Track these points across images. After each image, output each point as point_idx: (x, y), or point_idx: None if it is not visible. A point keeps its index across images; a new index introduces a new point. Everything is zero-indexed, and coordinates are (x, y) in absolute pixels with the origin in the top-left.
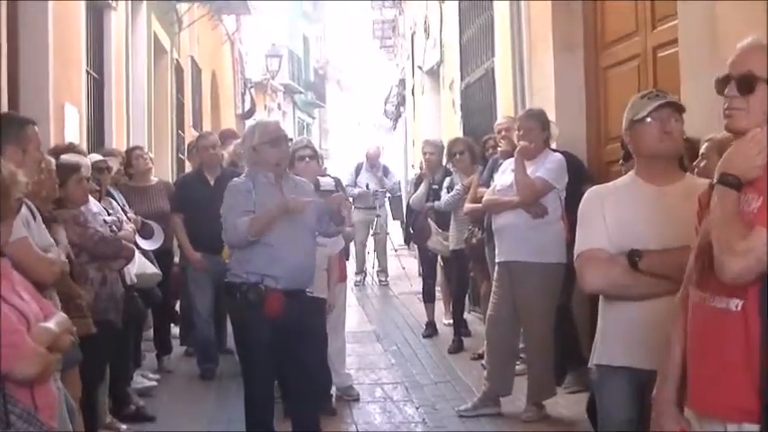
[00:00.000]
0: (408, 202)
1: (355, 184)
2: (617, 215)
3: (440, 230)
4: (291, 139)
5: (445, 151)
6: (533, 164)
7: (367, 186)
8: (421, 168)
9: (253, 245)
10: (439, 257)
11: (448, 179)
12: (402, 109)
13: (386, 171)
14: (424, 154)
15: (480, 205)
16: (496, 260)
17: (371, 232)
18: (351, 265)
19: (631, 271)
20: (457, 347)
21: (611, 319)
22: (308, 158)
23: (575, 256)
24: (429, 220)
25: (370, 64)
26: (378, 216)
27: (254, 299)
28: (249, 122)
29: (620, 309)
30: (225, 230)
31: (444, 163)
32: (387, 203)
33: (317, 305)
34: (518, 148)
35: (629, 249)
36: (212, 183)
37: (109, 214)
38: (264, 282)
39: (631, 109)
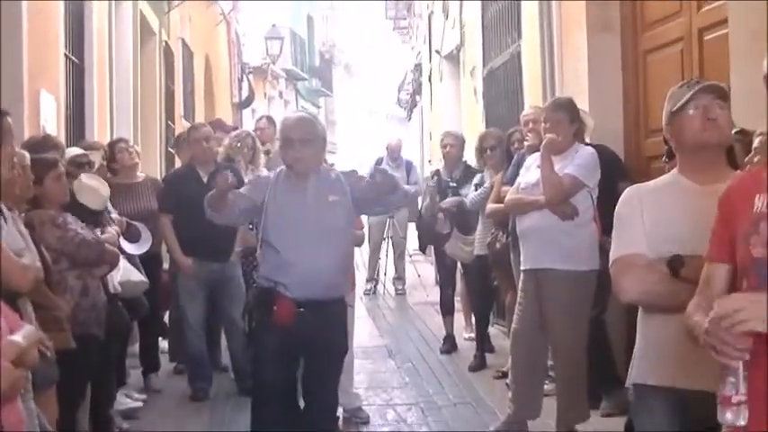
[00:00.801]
0: (420, 209)
1: None
2: (657, 217)
3: (459, 234)
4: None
5: (475, 146)
6: (562, 159)
7: None
8: (436, 177)
9: (263, 247)
10: (459, 264)
11: (478, 176)
12: (418, 98)
13: (409, 166)
14: (444, 146)
15: (502, 205)
16: (521, 267)
17: (384, 235)
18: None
19: (672, 279)
20: (479, 364)
21: (650, 333)
22: None
23: (610, 263)
24: (445, 220)
25: (383, 47)
26: (390, 217)
27: (263, 304)
28: (247, 112)
29: (660, 321)
30: None
31: (476, 159)
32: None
33: (341, 318)
34: (544, 142)
35: (669, 255)
36: (205, 179)
37: None
38: (277, 287)
39: (670, 100)
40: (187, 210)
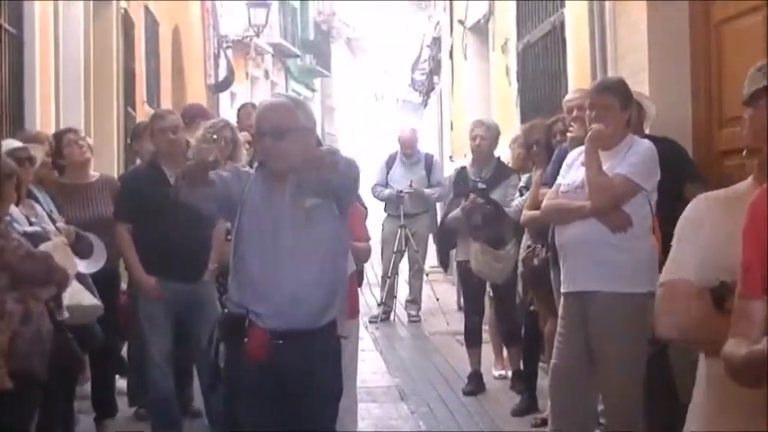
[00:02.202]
0: (443, 219)
1: (387, 184)
2: (717, 235)
3: (488, 248)
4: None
5: (517, 141)
6: (612, 155)
7: (411, 185)
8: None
9: (234, 262)
10: (488, 285)
11: (525, 177)
12: (436, 79)
13: (429, 161)
14: (473, 138)
15: (539, 212)
16: (562, 289)
17: (396, 248)
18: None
19: (714, 312)
20: (526, 407)
21: (709, 372)
22: None
23: (657, 286)
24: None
25: (393, 17)
26: (402, 227)
27: (232, 334)
28: (225, 96)
29: (707, 361)
30: None
31: (513, 157)
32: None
33: (331, 351)
34: (589, 134)
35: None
36: (172, 180)
37: (30, 224)
38: (249, 315)
39: (748, 83)
40: (150, 217)
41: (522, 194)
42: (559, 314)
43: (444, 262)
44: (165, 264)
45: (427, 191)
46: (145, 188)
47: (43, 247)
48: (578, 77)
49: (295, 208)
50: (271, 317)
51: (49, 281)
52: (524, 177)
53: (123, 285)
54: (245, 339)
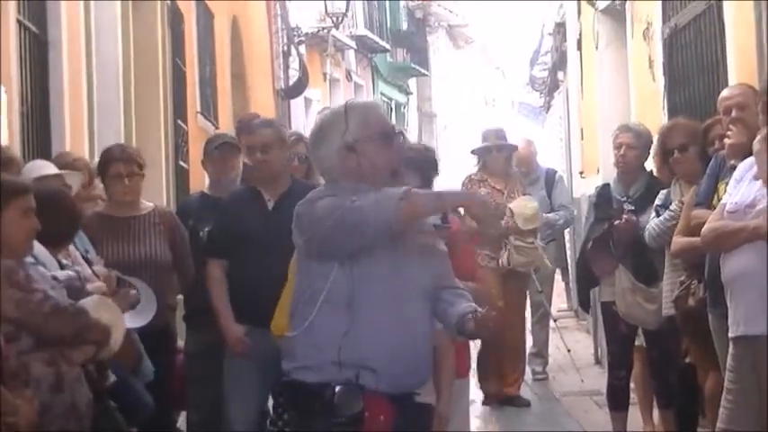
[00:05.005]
0: (586, 244)
1: None
2: None
3: (639, 284)
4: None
5: (655, 146)
6: None
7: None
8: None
9: (320, 312)
10: (640, 332)
11: (662, 194)
12: (561, 75)
13: (551, 179)
14: (618, 147)
15: (698, 239)
16: (731, 334)
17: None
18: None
19: None
20: None
21: None
22: None
23: None
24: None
25: None
26: None
27: (347, 413)
28: (297, 103)
29: None
30: (329, 227)
31: (655, 166)
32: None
33: (425, 420)
34: (757, 140)
35: None
36: (271, 206)
37: (62, 266)
38: (360, 379)
39: None
40: (245, 251)
41: (658, 214)
42: (728, 365)
43: (585, 303)
44: (257, 308)
45: (551, 216)
46: (245, 214)
47: (88, 304)
48: (741, 70)
49: (409, 245)
50: (388, 375)
51: (85, 340)
52: (661, 194)
53: (180, 342)
54: (360, 411)
